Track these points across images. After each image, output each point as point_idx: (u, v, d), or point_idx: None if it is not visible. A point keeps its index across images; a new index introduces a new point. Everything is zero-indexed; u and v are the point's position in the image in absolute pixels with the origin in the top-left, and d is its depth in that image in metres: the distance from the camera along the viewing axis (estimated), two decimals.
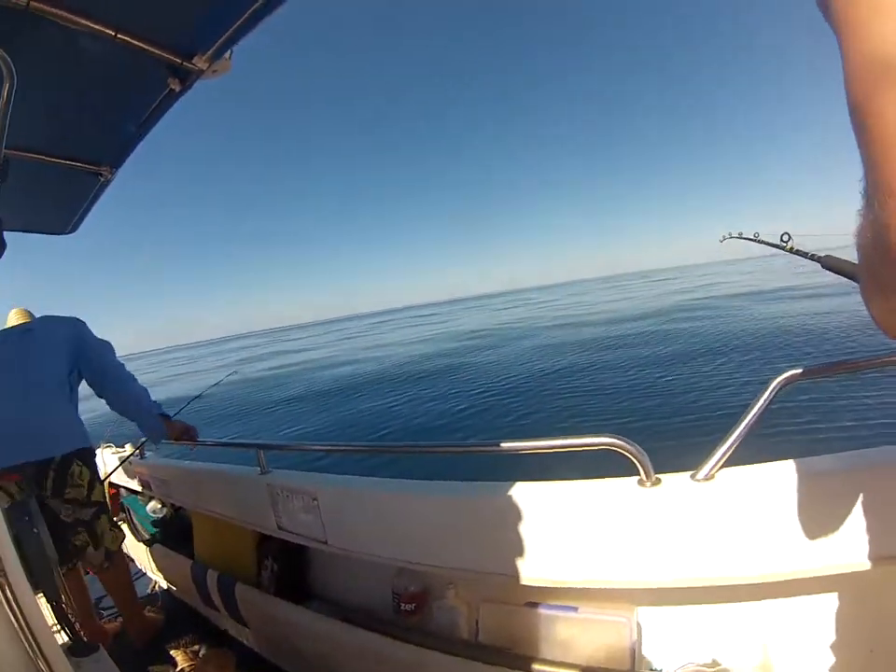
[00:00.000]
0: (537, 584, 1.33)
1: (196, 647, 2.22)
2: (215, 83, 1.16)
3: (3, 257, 1.01)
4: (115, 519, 3.32)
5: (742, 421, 1.22)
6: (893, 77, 0.37)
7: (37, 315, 2.44)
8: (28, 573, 0.85)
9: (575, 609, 1.42)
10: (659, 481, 1.20)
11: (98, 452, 3.33)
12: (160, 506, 3.15)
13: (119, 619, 2.54)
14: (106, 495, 2.60)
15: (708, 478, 1.17)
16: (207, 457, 2.64)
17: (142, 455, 3.08)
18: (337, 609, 1.96)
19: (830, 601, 1.17)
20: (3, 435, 2.01)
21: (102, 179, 1.65)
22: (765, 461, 1.19)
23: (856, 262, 0.48)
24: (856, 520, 1.03)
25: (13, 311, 2.45)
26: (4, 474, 1.97)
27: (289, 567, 2.18)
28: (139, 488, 3.12)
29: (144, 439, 2.82)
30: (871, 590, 1.13)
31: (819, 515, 1.07)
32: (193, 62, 1.09)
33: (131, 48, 1.06)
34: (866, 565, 1.03)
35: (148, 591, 3.12)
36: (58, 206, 1.92)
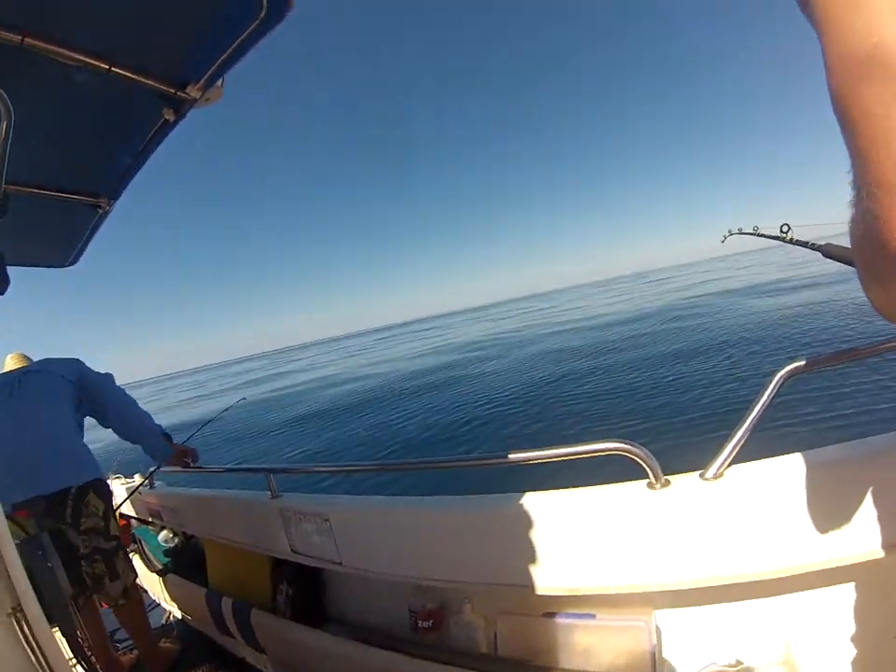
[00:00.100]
0: (553, 593, 1.32)
1: None
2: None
3: (6, 292, 1.01)
4: (127, 550, 3.32)
5: (747, 417, 1.21)
6: (873, 72, 0.38)
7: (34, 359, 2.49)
8: (43, 606, 0.84)
9: (593, 616, 1.41)
10: (668, 482, 1.20)
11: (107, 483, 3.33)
12: (171, 535, 3.14)
13: (135, 651, 2.52)
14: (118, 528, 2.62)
15: (717, 476, 1.16)
16: (216, 484, 2.64)
17: (151, 485, 3.07)
18: (354, 630, 1.95)
19: (848, 591, 1.15)
20: (15, 470, 2.03)
21: (100, 211, 1.66)
22: (773, 455, 1.19)
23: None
24: (867, 508, 1.03)
25: (10, 356, 2.49)
26: (16, 509, 1.98)
27: (305, 590, 2.17)
28: (150, 518, 3.11)
29: (153, 468, 2.83)
30: (887, 577, 1.12)
31: (830, 506, 1.07)
32: (186, 91, 1.11)
33: (125, 80, 1.08)
34: (880, 553, 1.03)
35: (163, 621, 3.09)
36: (58, 239, 1.94)
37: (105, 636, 2.40)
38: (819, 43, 0.43)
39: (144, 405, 2.49)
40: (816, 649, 1.22)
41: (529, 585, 1.32)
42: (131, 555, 3.31)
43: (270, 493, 2.03)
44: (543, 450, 1.33)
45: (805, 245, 1.49)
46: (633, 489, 1.23)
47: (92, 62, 1.02)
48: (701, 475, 1.19)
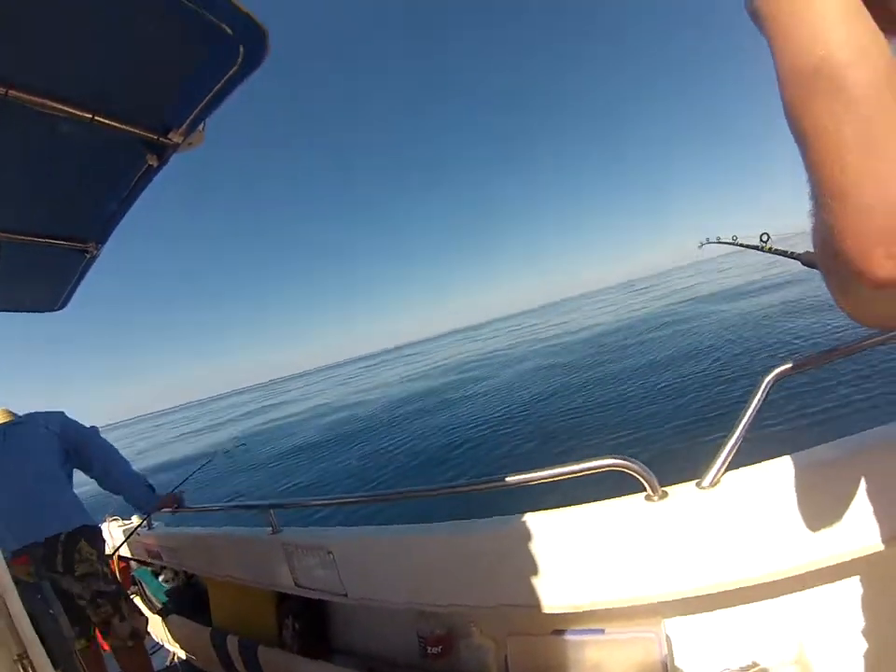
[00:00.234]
0: (561, 611, 1.32)
1: None
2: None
3: None
4: (128, 593, 3.25)
5: (739, 423, 1.24)
6: (820, 85, 0.39)
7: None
8: (48, 653, 0.85)
9: (602, 630, 1.41)
10: (666, 494, 1.21)
11: (104, 526, 3.28)
12: (172, 575, 3.10)
13: None
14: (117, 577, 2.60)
15: (714, 484, 1.18)
16: (213, 521, 2.63)
17: (149, 526, 3.03)
18: (363, 661, 1.93)
19: (853, 585, 1.17)
20: (9, 521, 2.05)
21: (88, 256, 1.68)
22: (766, 458, 1.21)
23: None
24: (863, 503, 1.05)
25: None
26: (15, 557, 1.99)
27: (311, 624, 2.14)
28: (149, 559, 3.06)
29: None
30: (888, 569, 1.14)
31: (826, 504, 1.08)
32: (169, 136, 1.13)
33: (108, 128, 1.09)
34: (880, 546, 1.05)
35: (167, 664, 3.03)
36: (46, 285, 1.94)
37: None
38: (771, 53, 0.44)
39: (137, 442, 2.49)
40: (827, 645, 1.23)
41: (536, 605, 1.32)
42: (132, 597, 3.26)
43: (271, 528, 2.02)
44: (540, 470, 1.34)
45: (783, 253, 1.51)
46: (632, 503, 1.24)
47: (76, 112, 1.04)
48: (698, 484, 1.20)
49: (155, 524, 3.07)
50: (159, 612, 2.98)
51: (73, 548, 2.11)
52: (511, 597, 1.38)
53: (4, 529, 2.05)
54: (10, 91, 0.94)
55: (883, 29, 0.40)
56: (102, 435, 2.53)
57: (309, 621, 2.13)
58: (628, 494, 1.28)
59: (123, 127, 1.10)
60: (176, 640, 2.91)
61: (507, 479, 1.38)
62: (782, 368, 1.32)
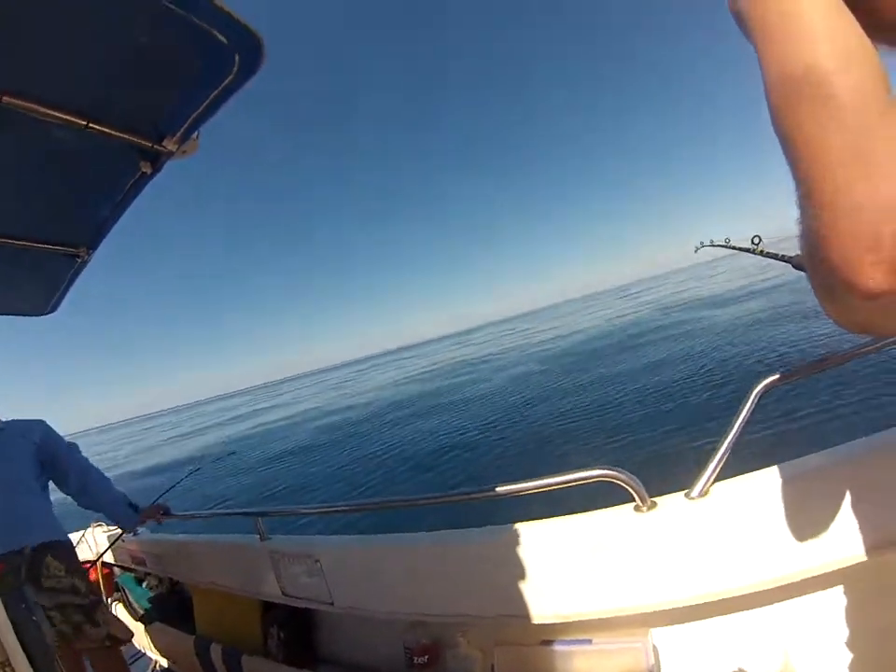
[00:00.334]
0: (549, 621, 1.32)
1: None
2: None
3: None
4: (109, 599, 3.20)
5: (728, 434, 1.25)
6: (807, 93, 0.39)
7: None
8: (29, 660, 0.84)
9: (589, 641, 1.40)
10: (655, 504, 1.22)
11: (89, 532, 3.24)
12: (156, 582, 3.06)
13: None
14: (100, 583, 2.55)
15: (703, 494, 1.19)
16: (200, 528, 2.60)
17: (134, 532, 3.01)
18: (348, 671, 1.91)
19: (837, 595, 1.18)
20: None
21: (79, 261, 1.67)
22: (755, 467, 1.22)
23: None
24: (847, 514, 1.06)
25: None
26: None
27: (297, 633, 2.12)
28: (133, 566, 3.02)
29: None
30: (871, 579, 1.15)
31: (812, 514, 1.10)
32: (163, 144, 1.13)
33: (102, 135, 1.09)
34: (863, 556, 1.06)
35: None
36: (37, 289, 1.93)
37: None
38: (757, 59, 0.44)
39: (125, 445, 2.45)
40: (812, 654, 1.24)
41: (524, 615, 1.32)
42: (114, 604, 3.21)
43: (259, 536, 2.00)
44: (529, 481, 1.34)
45: (775, 256, 1.51)
46: (621, 513, 1.25)
47: (70, 118, 1.04)
48: (686, 494, 1.21)
49: (140, 530, 3.04)
50: (142, 619, 2.94)
51: (40, 562, 2.05)
52: (499, 607, 1.37)
53: None
54: (4, 98, 0.94)
55: (868, 35, 0.40)
56: (82, 452, 2.44)
57: (294, 630, 2.11)
58: (617, 503, 1.28)
59: (117, 134, 1.10)
60: (159, 648, 2.86)
61: (496, 489, 1.37)
62: (771, 379, 1.33)
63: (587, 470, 1.25)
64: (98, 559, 3.01)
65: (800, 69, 0.39)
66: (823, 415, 5.06)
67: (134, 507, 2.43)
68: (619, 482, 1.23)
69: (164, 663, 2.87)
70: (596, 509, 1.32)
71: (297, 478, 9.50)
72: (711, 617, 1.31)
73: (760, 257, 1.58)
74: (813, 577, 1.10)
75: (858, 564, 1.07)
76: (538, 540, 1.31)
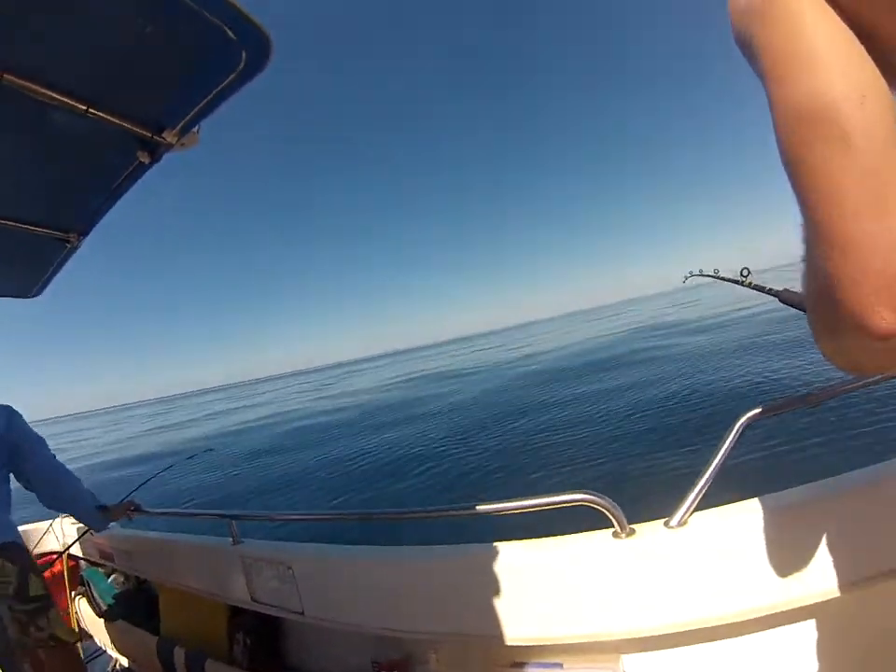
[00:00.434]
0: (520, 643, 1.30)
1: None
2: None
3: None
4: (73, 593, 3.11)
5: (709, 465, 1.25)
6: (823, 131, 0.37)
7: None
8: None
9: (560, 665, 1.39)
10: (633, 531, 1.22)
11: (57, 522, 3.17)
12: (122, 578, 2.99)
13: None
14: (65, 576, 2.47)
15: (682, 524, 1.19)
16: (170, 526, 2.55)
17: None
18: None
19: (809, 630, 1.18)
20: None
21: (69, 246, 1.65)
22: (735, 498, 1.22)
23: None
24: (822, 550, 1.07)
25: None
26: None
27: (264, 640, 2.08)
28: (100, 560, 2.96)
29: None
30: (843, 616, 1.16)
31: (789, 549, 1.10)
32: (163, 135, 1.12)
33: (102, 121, 1.08)
34: (836, 592, 1.07)
35: (108, 670, 2.92)
36: (23, 271, 1.90)
37: None
38: (765, 91, 0.42)
39: (104, 435, 2.39)
40: None
41: (496, 635, 1.30)
42: (78, 598, 3.13)
43: (231, 539, 1.97)
44: (508, 501, 1.34)
45: (762, 289, 1.52)
46: (599, 539, 1.24)
47: (71, 102, 1.02)
48: (666, 523, 1.21)
49: (110, 523, 2.99)
50: (105, 616, 2.87)
51: None
52: (472, 627, 1.35)
53: None
54: (5, 75, 0.93)
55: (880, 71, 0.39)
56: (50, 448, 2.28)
57: (261, 637, 2.07)
58: (595, 527, 1.28)
59: (117, 122, 1.09)
60: (121, 647, 2.79)
61: (475, 507, 1.37)
62: (754, 412, 1.34)
63: (567, 494, 1.24)
64: (65, 552, 2.94)
65: (815, 105, 0.38)
66: (804, 449, 5.09)
67: (103, 507, 2.32)
68: (598, 507, 1.22)
69: (125, 662, 2.80)
70: (574, 531, 1.31)
71: (272, 479, 9.39)
72: (684, 646, 1.31)
73: (748, 289, 1.59)
74: (787, 610, 1.11)
75: (832, 599, 1.08)
76: (514, 561, 1.30)
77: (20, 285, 2.03)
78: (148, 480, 2.78)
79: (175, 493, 9.12)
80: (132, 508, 2.39)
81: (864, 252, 0.37)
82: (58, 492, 2.22)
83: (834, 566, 1.06)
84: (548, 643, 1.29)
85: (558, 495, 1.25)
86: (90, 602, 3.09)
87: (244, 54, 0.94)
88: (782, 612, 1.11)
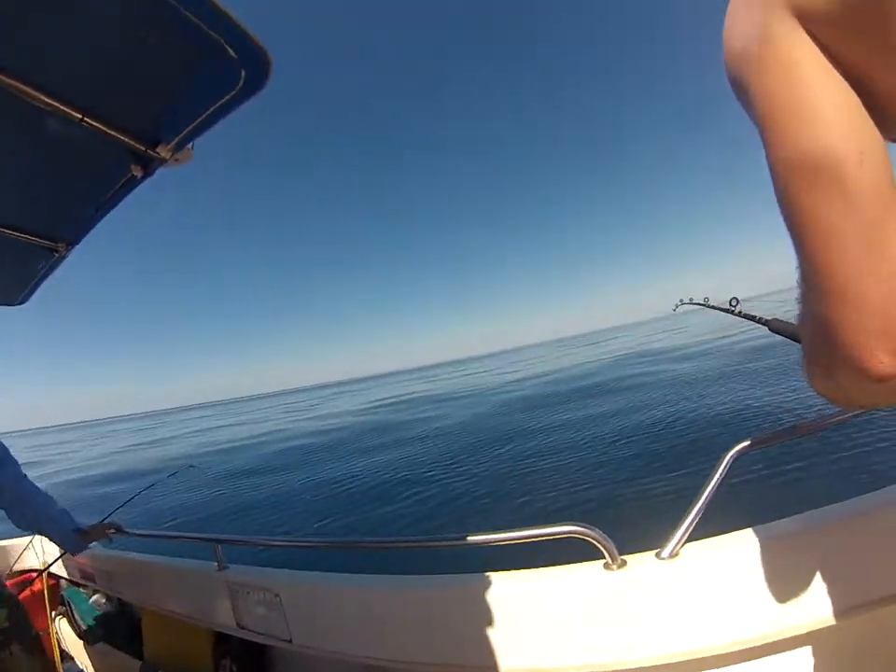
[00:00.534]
0: None
1: None
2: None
3: None
4: (53, 613, 3.02)
5: (700, 497, 1.25)
6: (821, 180, 0.38)
7: None
8: None
9: None
10: (625, 563, 1.21)
11: (37, 539, 3.09)
12: (104, 600, 2.91)
13: None
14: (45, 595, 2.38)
15: (673, 555, 1.18)
16: (154, 548, 2.48)
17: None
18: None
19: (805, 657, 1.18)
20: None
21: (57, 255, 1.63)
22: (726, 531, 1.23)
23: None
24: (817, 578, 1.08)
25: None
26: None
27: (250, 668, 2.03)
28: (81, 580, 2.88)
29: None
30: (840, 643, 1.16)
31: (783, 578, 1.10)
32: (157, 150, 1.11)
33: (96, 132, 1.07)
34: (832, 620, 1.07)
35: None
36: (9, 278, 1.88)
37: None
38: (761, 139, 0.43)
39: (87, 447, 2.31)
40: None
41: (486, 667, 1.28)
42: (58, 619, 3.05)
43: (217, 564, 1.92)
44: (498, 533, 1.33)
45: (752, 318, 1.54)
46: (590, 570, 1.23)
47: (66, 109, 1.02)
48: (657, 554, 1.20)
49: (92, 543, 2.91)
50: (85, 638, 2.79)
51: None
52: (461, 658, 1.33)
53: None
54: (2, 77, 0.91)
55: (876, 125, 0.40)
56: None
57: (247, 664, 2.02)
58: (586, 557, 1.27)
59: (112, 133, 1.09)
60: (102, 670, 2.72)
61: (467, 538, 1.35)
62: (744, 444, 1.35)
63: (558, 525, 1.23)
64: (45, 570, 2.87)
65: (814, 156, 0.39)
66: (793, 478, 5.07)
67: (79, 529, 2.19)
68: (589, 538, 1.21)
69: None
70: (565, 560, 1.30)
71: (257, 499, 9.24)
72: None
73: (737, 317, 1.61)
74: (781, 639, 1.11)
75: (826, 627, 1.08)
76: (504, 591, 1.28)
77: (5, 292, 2.00)
78: (131, 498, 2.72)
79: (159, 512, 8.96)
80: (111, 529, 2.28)
81: (863, 299, 0.38)
82: (26, 510, 2.08)
83: (827, 594, 1.07)
84: None
85: (548, 526, 1.24)
86: (70, 622, 3.01)
87: (243, 73, 0.94)
88: (776, 642, 1.11)
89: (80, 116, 1.03)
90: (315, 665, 1.90)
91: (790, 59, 0.40)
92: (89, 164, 1.23)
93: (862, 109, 0.39)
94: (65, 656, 2.90)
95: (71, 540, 2.19)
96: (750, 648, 1.12)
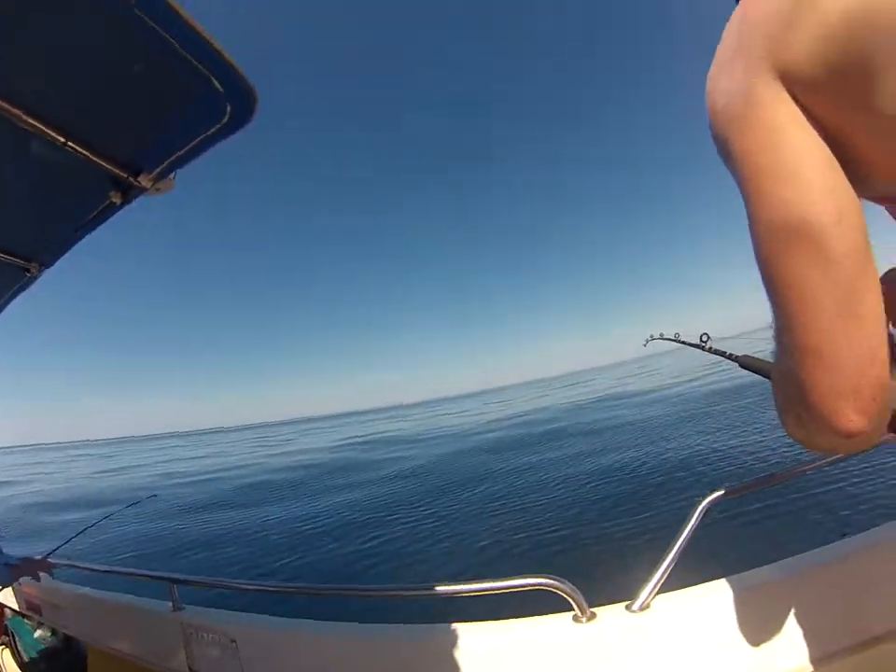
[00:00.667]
0: None
1: None
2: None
3: None
4: None
5: (672, 547, 1.24)
6: (800, 244, 0.39)
7: None
8: None
9: None
10: (594, 616, 1.18)
11: None
12: (49, 634, 2.76)
13: None
14: None
15: (644, 608, 1.16)
16: (108, 583, 2.36)
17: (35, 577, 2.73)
18: None
19: None
20: None
21: (28, 275, 1.60)
22: (700, 581, 1.21)
23: (771, 362, 0.50)
24: (792, 626, 1.06)
25: None
26: None
27: None
28: (27, 611, 2.72)
29: (38, 556, 2.52)
30: None
31: (757, 627, 1.09)
32: (138, 179, 1.09)
33: (78, 155, 1.06)
34: (808, 667, 1.06)
35: None
36: None
37: None
38: (743, 197, 0.44)
39: (46, 476, 2.22)
40: None
41: None
42: (1, 648, 2.88)
43: (171, 604, 1.84)
44: (466, 583, 1.31)
45: (722, 354, 1.56)
46: (559, 623, 1.20)
47: (50, 132, 1.01)
48: (628, 607, 1.18)
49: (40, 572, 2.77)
50: (26, 670, 2.65)
51: None
52: None
53: None
54: None
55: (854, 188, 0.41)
56: None
57: None
58: (556, 610, 1.24)
59: (94, 159, 1.08)
60: None
61: (435, 588, 1.32)
62: (717, 494, 1.35)
63: (526, 577, 1.22)
64: None
65: (794, 222, 0.40)
66: (767, 527, 5.05)
67: (8, 564, 2.13)
68: (558, 591, 1.19)
69: None
70: (533, 609, 1.27)
71: (217, 534, 8.94)
72: None
73: (708, 354, 1.63)
74: None
75: None
76: (469, 644, 1.24)
77: None
78: (87, 528, 2.61)
79: (116, 543, 8.59)
80: (46, 568, 2.18)
81: (835, 360, 0.40)
82: None
83: (802, 643, 1.06)
84: None
85: (517, 578, 1.22)
86: (13, 654, 2.86)
87: (229, 108, 0.94)
88: None
89: (63, 139, 1.02)
90: None
91: (773, 123, 0.41)
92: (68, 187, 1.21)
93: (840, 170, 0.41)
94: None
95: (6, 578, 2.11)
96: None
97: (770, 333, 0.48)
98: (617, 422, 15.30)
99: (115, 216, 1.22)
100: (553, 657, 1.16)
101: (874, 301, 0.40)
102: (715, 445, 9.42)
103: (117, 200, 1.14)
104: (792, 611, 1.08)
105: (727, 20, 0.47)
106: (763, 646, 1.07)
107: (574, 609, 1.19)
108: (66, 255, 1.47)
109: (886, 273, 0.52)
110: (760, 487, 1.45)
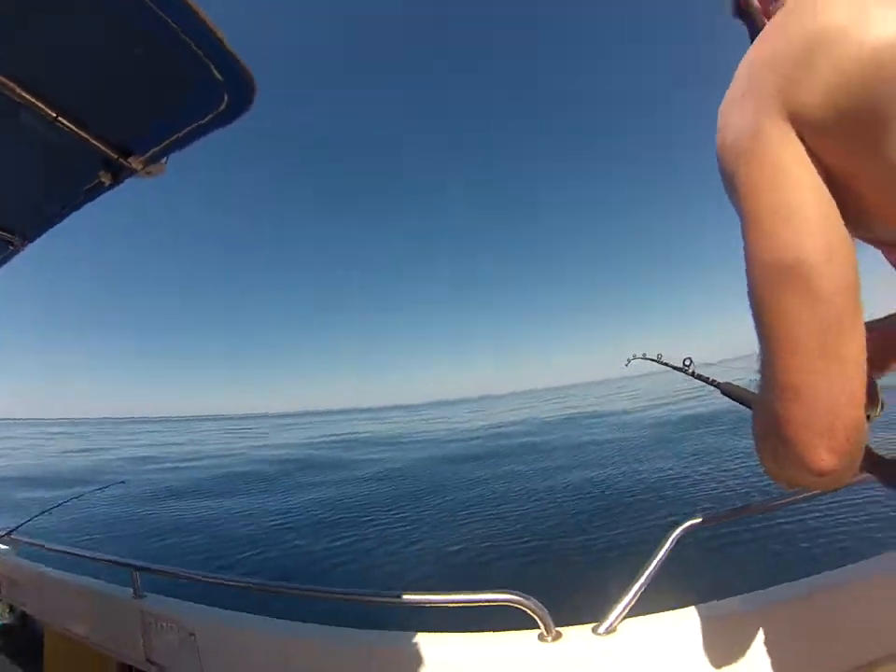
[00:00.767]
0: None
1: None
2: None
3: None
4: None
5: (643, 572, 1.24)
6: (792, 282, 0.40)
7: None
8: None
9: None
10: (560, 635, 1.17)
11: None
12: (7, 611, 2.70)
13: None
14: None
15: (610, 631, 1.15)
16: (70, 565, 2.31)
17: None
18: None
19: None
20: None
21: (11, 248, 1.57)
22: (668, 608, 1.20)
23: (752, 391, 0.51)
24: (757, 660, 1.05)
25: None
26: None
27: None
28: None
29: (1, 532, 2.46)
30: None
31: (722, 659, 1.08)
32: (129, 160, 1.08)
33: (69, 132, 1.04)
34: None
35: None
36: None
37: None
38: (742, 231, 0.45)
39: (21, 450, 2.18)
40: None
41: None
42: None
43: (132, 591, 1.81)
44: (432, 594, 1.31)
45: (705, 379, 1.56)
46: (524, 640, 1.19)
47: (42, 106, 0.99)
48: (594, 629, 1.17)
49: (1, 547, 2.70)
50: None
51: None
52: None
53: None
54: None
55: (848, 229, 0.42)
56: None
57: None
58: (522, 627, 1.23)
59: (85, 137, 1.06)
60: None
61: (401, 597, 1.30)
62: (691, 522, 1.35)
63: (494, 593, 1.20)
64: None
65: (786, 258, 0.41)
66: (739, 558, 5.05)
67: None
68: (524, 608, 1.18)
69: None
70: (499, 625, 1.26)
71: (185, 522, 8.87)
72: None
73: (690, 378, 1.63)
74: None
75: None
76: (433, 655, 1.22)
77: None
78: (53, 507, 2.56)
79: (82, 524, 8.45)
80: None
81: (814, 399, 0.40)
82: None
83: None
84: None
85: (484, 593, 1.21)
86: None
87: (226, 96, 0.92)
88: None
89: (54, 115, 1.01)
90: None
91: (778, 162, 0.42)
92: (57, 163, 1.19)
93: (837, 214, 0.41)
94: None
95: None
96: None
97: (754, 363, 0.48)
98: (591, 438, 15.40)
99: (103, 196, 1.20)
100: None
101: (858, 344, 0.41)
102: (687, 470, 9.41)
103: (106, 180, 1.12)
104: (759, 645, 1.07)
105: (734, 68, 0.48)
106: None
107: (540, 628, 1.18)
108: (54, 231, 1.45)
109: (870, 322, 0.52)
110: (734, 517, 1.46)
